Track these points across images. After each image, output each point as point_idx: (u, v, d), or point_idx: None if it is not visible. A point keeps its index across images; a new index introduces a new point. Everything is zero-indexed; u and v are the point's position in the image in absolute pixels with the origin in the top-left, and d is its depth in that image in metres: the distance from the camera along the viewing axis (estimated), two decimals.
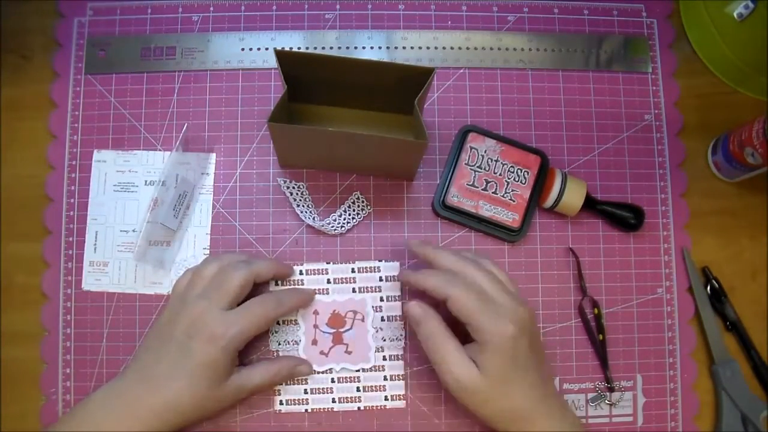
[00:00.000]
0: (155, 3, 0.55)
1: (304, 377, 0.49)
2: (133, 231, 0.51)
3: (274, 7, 0.55)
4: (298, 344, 0.49)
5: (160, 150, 0.52)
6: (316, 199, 0.52)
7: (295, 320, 0.50)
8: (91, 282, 0.51)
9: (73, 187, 0.52)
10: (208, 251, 0.51)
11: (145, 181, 0.52)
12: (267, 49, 0.54)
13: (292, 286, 0.50)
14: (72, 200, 0.52)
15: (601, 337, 0.51)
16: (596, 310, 0.51)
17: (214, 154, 0.52)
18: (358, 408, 0.49)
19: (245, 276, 0.45)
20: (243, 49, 0.54)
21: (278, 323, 0.50)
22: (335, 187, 0.52)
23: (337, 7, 0.55)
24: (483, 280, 0.43)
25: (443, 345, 0.42)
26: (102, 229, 0.51)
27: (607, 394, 0.51)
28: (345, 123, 0.53)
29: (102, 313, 0.50)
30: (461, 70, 0.55)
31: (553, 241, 0.53)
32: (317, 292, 0.50)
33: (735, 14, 0.51)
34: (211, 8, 0.55)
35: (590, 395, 0.51)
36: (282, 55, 0.43)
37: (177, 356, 0.43)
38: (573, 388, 0.51)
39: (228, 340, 0.43)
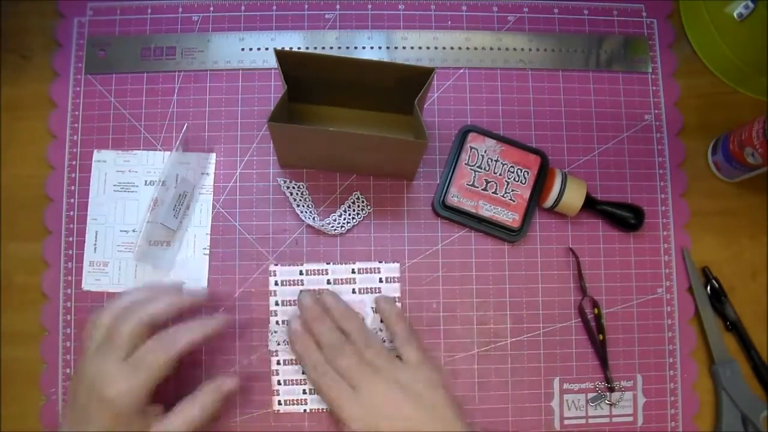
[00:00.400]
0: (155, 3, 0.55)
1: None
2: (133, 231, 0.51)
3: (274, 7, 0.55)
4: None
5: (160, 150, 0.52)
6: (316, 199, 0.52)
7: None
8: (91, 282, 0.51)
9: (73, 187, 0.52)
10: (208, 251, 0.51)
11: (145, 181, 0.52)
12: (267, 49, 0.54)
13: (194, 320, 0.44)
14: (72, 200, 0.52)
15: (601, 337, 0.51)
16: (596, 310, 0.51)
17: (214, 154, 0.52)
18: None
19: (134, 326, 0.41)
20: (243, 49, 0.54)
21: (277, 323, 0.50)
22: (335, 187, 0.52)
23: (337, 7, 0.55)
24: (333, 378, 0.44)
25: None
26: (102, 229, 0.51)
27: (607, 394, 0.51)
28: (345, 123, 0.53)
29: None
30: (461, 70, 0.55)
31: (553, 241, 0.53)
32: (316, 292, 0.50)
33: (735, 14, 0.51)
34: (211, 8, 0.55)
35: (590, 395, 0.51)
36: (282, 55, 0.43)
37: (82, 425, 0.40)
38: (573, 388, 0.51)
39: (121, 406, 0.39)
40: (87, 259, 0.51)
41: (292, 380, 0.49)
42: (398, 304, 0.50)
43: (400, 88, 0.46)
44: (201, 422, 0.43)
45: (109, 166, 0.52)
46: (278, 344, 0.49)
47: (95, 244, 0.51)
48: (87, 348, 0.42)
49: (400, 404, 0.43)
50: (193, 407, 0.43)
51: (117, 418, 0.40)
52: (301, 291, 0.50)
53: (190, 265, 0.51)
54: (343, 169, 0.52)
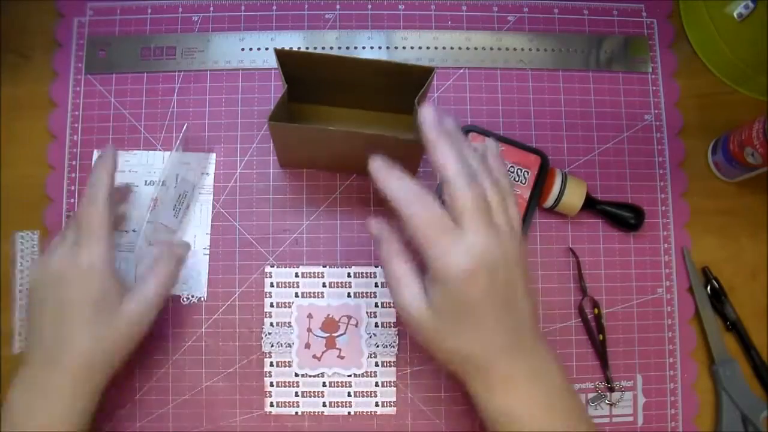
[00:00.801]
0: (155, 3, 0.55)
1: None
2: (133, 231, 0.51)
3: (274, 7, 0.55)
4: (291, 347, 0.49)
5: (160, 150, 0.52)
6: (316, 199, 0.52)
7: (289, 323, 0.49)
8: None
9: (73, 187, 0.52)
10: (208, 251, 0.51)
11: (145, 181, 0.52)
12: (267, 49, 0.54)
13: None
14: (72, 200, 0.52)
15: (601, 337, 0.51)
16: (596, 310, 0.51)
17: (214, 154, 0.52)
18: (349, 413, 0.49)
19: (101, 207, 0.42)
20: (243, 49, 0.54)
21: (272, 325, 0.50)
22: (335, 187, 0.52)
23: (337, 7, 0.55)
24: (465, 197, 0.36)
25: (398, 268, 0.38)
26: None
27: (607, 394, 0.51)
28: (345, 123, 0.53)
29: None
30: (461, 70, 0.55)
31: (553, 241, 0.53)
32: (313, 296, 0.50)
33: (735, 14, 0.51)
34: (211, 8, 0.55)
35: (590, 395, 0.51)
36: (282, 55, 0.43)
37: (56, 315, 0.41)
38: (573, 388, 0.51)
39: (97, 271, 0.41)
40: None
41: (284, 382, 0.49)
42: (392, 310, 0.50)
43: (400, 87, 0.46)
44: (168, 287, 0.44)
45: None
46: (272, 346, 0.49)
47: None
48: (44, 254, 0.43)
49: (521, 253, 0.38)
50: (159, 273, 0.44)
51: (96, 282, 0.41)
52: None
53: (190, 265, 0.51)
54: (343, 169, 0.52)
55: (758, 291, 0.53)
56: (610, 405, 0.51)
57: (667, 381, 0.51)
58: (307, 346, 0.49)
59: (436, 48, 0.55)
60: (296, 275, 0.50)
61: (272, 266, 0.51)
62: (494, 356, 0.37)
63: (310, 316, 0.50)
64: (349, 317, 0.50)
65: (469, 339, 0.37)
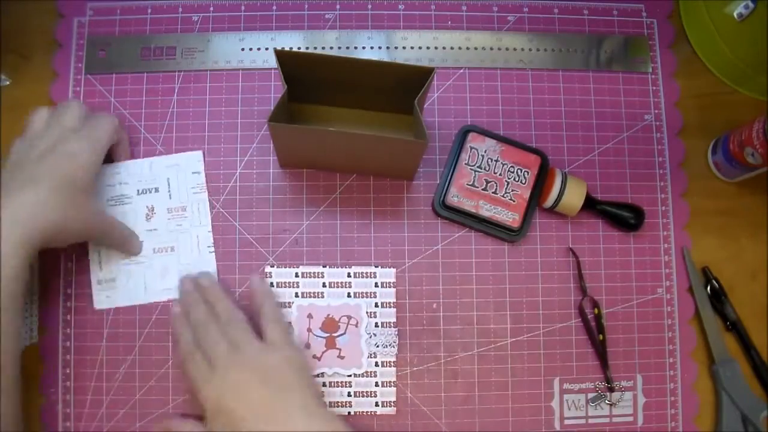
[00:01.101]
0: (155, 3, 0.55)
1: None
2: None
3: (274, 7, 0.55)
4: None
5: (147, 157, 0.52)
6: (316, 199, 0.52)
7: (289, 323, 0.49)
8: (102, 300, 0.50)
9: None
10: (212, 249, 0.51)
11: (138, 191, 0.51)
12: (267, 49, 0.54)
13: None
14: None
15: (601, 337, 0.51)
16: (596, 310, 0.51)
17: (200, 152, 0.52)
18: (349, 413, 0.49)
19: (113, 122, 0.48)
20: (243, 49, 0.54)
21: None
22: (335, 187, 0.52)
23: (337, 7, 0.55)
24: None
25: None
26: (104, 246, 0.51)
27: (607, 394, 0.51)
28: (345, 123, 0.53)
29: (101, 312, 0.50)
30: (461, 70, 0.55)
31: (553, 241, 0.53)
32: (313, 295, 0.50)
33: (735, 14, 0.51)
34: (211, 8, 0.55)
35: (590, 395, 0.51)
36: (282, 55, 0.43)
37: (36, 168, 0.43)
38: (573, 388, 0.51)
39: (81, 162, 0.45)
40: (94, 278, 0.50)
41: None
42: (393, 310, 0.50)
43: (400, 88, 0.46)
44: (121, 240, 0.49)
45: (99, 182, 0.51)
46: None
47: (100, 262, 0.50)
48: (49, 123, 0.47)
49: (248, 384, 0.42)
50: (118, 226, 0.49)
51: (81, 170, 0.45)
52: (182, 278, 0.49)
53: (198, 266, 0.51)
54: (343, 169, 0.52)
55: (758, 291, 0.53)
56: (610, 405, 0.51)
57: (667, 381, 0.51)
58: (307, 346, 0.49)
59: (436, 48, 0.55)
60: (296, 275, 0.50)
61: (272, 266, 0.51)
62: None
63: (310, 316, 0.50)
64: (349, 317, 0.50)
65: None
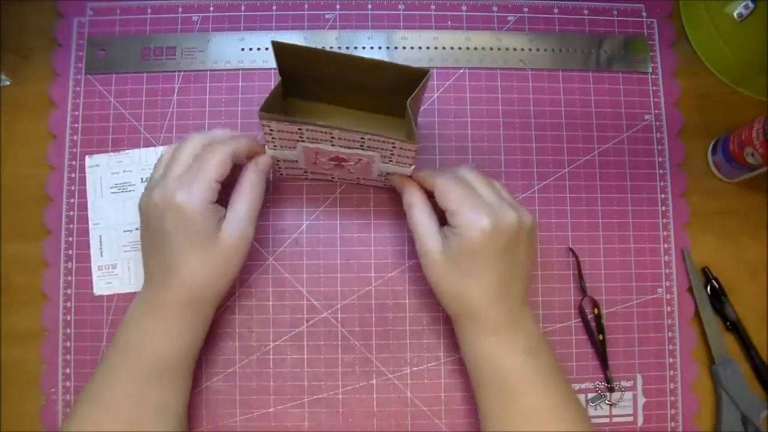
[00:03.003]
0: (155, 3, 0.55)
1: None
2: (136, 229, 0.51)
3: (274, 7, 0.55)
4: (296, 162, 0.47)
5: (153, 147, 0.52)
6: (317, 199, 0.52)
7: (295, 161, 0.47)
8: (102, 286, 0.50)
9: (73, 187, 0.52)
10: None
11: (141, 179, 0.52)
12: (267, 49, 0.54)
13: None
14: (72, 200, 0.52)
15: (601, 337, 0.51)
16: (596, 310, 0.51)
17: None
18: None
19: (219, 157, 0.43)
20: (243, 49, 0.54)
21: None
22: (335, 187, 0.52)
23: (337, 7, 0.55)
24: (477, 182, 0.45)
25: (420, 214, 0.45)
26: (105, 232, 0.51)
27: (607, 394, 0.51)
28: (343, 122, 0.52)
29: (102, 313, 0.50)
30: (461, 70, 0.55)
31: (553, 241, 0.53)
32: None
33: (735, 14, 0.51)
34: (211, 8, 0.55)
35: (590, 395, 0.51)
36: (279, 48, 0.43)
37: (161, 243, 0.42)
38: (573, 388, 0.51)
39: (190, 209, 0.41)
40: (95, 264, 0.51)
41: None
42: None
43: (397, 88, 0.46)
44: (258, 202, 0.45)
45: (103, 170, 0.52)
46: (278, 161, 0.47)
47: (101, 249, 0.51)
48: (152, 178, 0.45)
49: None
50: (245, 191, 0.44)
51: (190, 218, 0.41)
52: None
53: None
54: None
55: (758, 291, 0.53)
56: (610, 405, 0.51)
57: (667, 381, 0.51)
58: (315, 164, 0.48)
59: (436, 48, 0.55)
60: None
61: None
62: (489, 306, 0.43)
63: (317, 153, 0.48)
64: (361, 158, 0.48)
65: (469, 286, 0.43)
